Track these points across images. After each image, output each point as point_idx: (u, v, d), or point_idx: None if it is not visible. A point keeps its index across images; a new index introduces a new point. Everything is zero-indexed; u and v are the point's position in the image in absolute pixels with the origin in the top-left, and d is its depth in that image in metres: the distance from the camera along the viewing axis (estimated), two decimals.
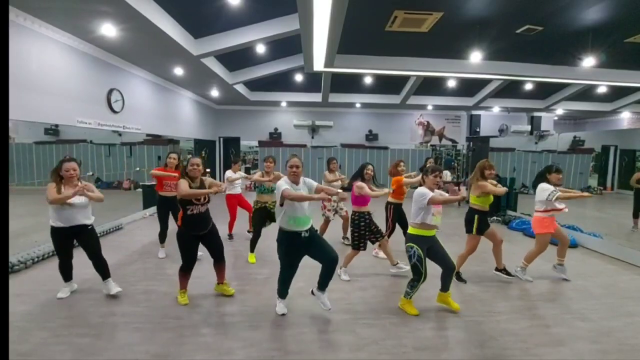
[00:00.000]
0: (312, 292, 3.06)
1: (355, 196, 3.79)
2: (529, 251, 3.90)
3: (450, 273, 3.06)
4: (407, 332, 2.75)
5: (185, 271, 3.20)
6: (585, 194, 3.77)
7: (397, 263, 3.96)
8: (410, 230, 3.06)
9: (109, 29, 4.61)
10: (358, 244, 3.75)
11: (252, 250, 4.42)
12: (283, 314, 2.97)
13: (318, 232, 3.10)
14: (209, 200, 3.17)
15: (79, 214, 3.08)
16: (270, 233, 4.36)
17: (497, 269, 3.91)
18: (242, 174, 5.46)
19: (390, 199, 4.42)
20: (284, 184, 2.74)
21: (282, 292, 3.03)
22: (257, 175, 4.40)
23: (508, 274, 3.86)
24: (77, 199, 3.03)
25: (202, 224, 3.13)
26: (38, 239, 4.48)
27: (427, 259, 3.00)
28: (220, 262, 3.30)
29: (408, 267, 3.77)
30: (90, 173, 7.20)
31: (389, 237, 4.30)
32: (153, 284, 3.61)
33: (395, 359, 2.42)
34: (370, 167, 3.82)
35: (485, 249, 4.32)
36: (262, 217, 4.28)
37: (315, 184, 2.91)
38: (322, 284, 2.95)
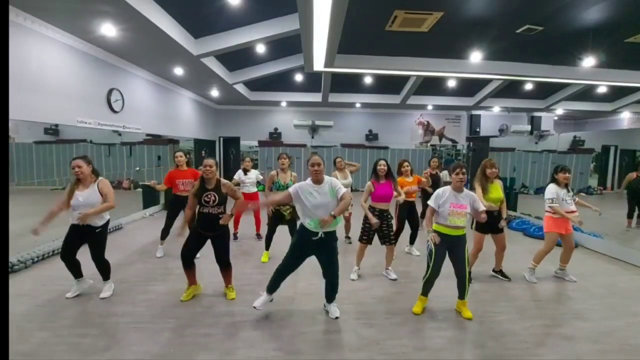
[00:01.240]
0: (324, 306, 3.09)
1: (374, 198, 3.76)
2: (537, 251, 3.90)
3: (460, 280, 3.00)
4: (407, 332, 2.75)
5: (184, 267, 3.17)
6: (594, 208, 3.84)
7: (388, 269, 3.93)
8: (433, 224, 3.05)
9: (109, 29, 4.61)
10: (361, 237, 3.80)
11: (266, 248, 4.42)
12: (255, 307, 2.84)
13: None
14: (220, 202, 3.08)
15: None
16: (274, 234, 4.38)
17: (494, 270, 3.95)
18: (260, 178, 5.33)
19: (398, 198, 4.42)
20: (296, 187, 2.75)
21: (273, 284, 2.93)
22: (269, 181, 4.29)
23: (504, 276, 3.87)
24: (75, 201, 2.99)
25: (209, 225, 3.09)
26: (38, 238, 4.45)
27: (441, 258, 2.96)
28: (223, 268, 3.28)
29: (395, 276, 3.83)
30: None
31: (396, 236, 4.18)
32: (153, 284, 3.60)
33: (395, 359, 2.42)
34: (382, 162, 3.78)
35: (485, 248, 4.32)
36: (276, 218, 4.19)
37: (342, 190, 2.76)
38: (327, 297, 3.03)
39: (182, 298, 3.20)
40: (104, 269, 3.28)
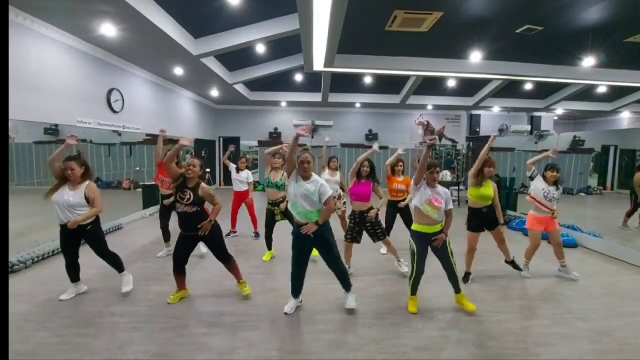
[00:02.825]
0: (344, 294, 3.13)
1: (351, 195, 3.79)
2: (526, 249, 4.02)
3: (450, 277, 3.05)
4: (407, 332, 2.75)
5: (174, 271, 3.16)
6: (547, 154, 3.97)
7: (400, 261, 3.99)
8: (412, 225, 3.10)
9: (109, 29, 4.61)
10: (345, 235, 3.88)
11: (269, 248, 4.44)
12: (286, 313, 2.97)
13: None
14: (194, 203, 3.00)
15: (70, 215, 2.97)
16: (274, 234, 4.39)
17: (506, 261, 3.99)
18: (250, 180, 5.32)
19: (389, 197, 4.43)
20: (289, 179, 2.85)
21: (293, 289, 3.05)
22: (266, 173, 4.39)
23: (516, 267, 3.94)
24: (59, 198, 2.94)
25: (187, 224, 3.05)
26: (38, 239, 4.47)
27: (424, 255, 3.00)
28: (225, 263, 3.28)
29: (407, 269, 3.82)
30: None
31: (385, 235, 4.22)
32: (153, 284, 3.60)
33: (395, 359, 2.42)
34: (366, 163, 3.77)
35: (485, 248, 4.32)
36: (270, 217, 4.26)
37: (327, 195, 2.78)
38: (342, 286, 3.08)
39: (169, 301, 3.17)
40: (114, 262, 3.26)
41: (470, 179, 3.74)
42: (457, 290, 3.10)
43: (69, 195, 2.97)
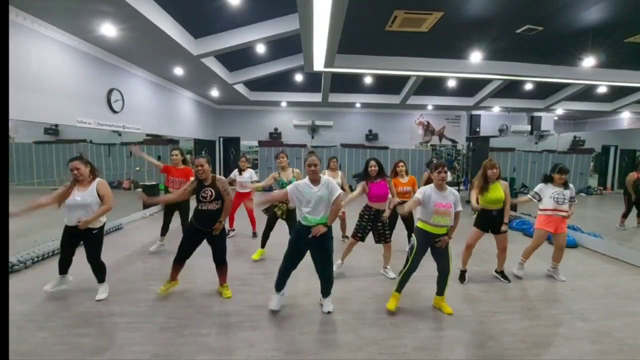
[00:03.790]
0: (320, 300, 3.13)
1: (370, 198, 3.75)
2: (526, 247, 4.00)
3: (443, 277, 3.04)
4: (407, 332, 2.75)
5: (175, 261, 3.23)
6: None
7: (387, 268, 3.94)
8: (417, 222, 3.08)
9: (109, 29, 4.61)
10: (355, 233, 3.83)
11: (262, 246, 4.40)
12: (274, 311, 2.98)
13: None
14: (217, 197, 3.09)
15: (76, 216, 3.00)
16: (273, 233, 4.38)
17: (496, 270, 3.95)
18: (254, 178, 5.27)
19: (392, 200, 4.42)
20: (294, 185, 2.86)
21: (279, 283, 3.04)
22: (270, 179, 4.28)
23: (505, 277, 3.85)
24: (72, 200, 2.97)
25: (206, 221, 3.13)
26: (38, 239, 4.47)
27: (422, 254, 2.99)
28: (220, 266, 3.30)
29: (394, 275, 3.79)
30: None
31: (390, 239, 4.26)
32: (153, 284, 3.60)
33: (395, 359, 2.42)
34: (372, 162, 3.74)
35: (485, 249, 4.33)
36: (272, 214, 4.20)
37: (337, 193, 2.79)
38: (322, 292, 3.08)
39: (159, 291, 3.24)
40: (99, 271, 3.25)
41: (473, 188, 3.74)
42: (441, 292, 3.10)
43: (82, 196, 2.99)
